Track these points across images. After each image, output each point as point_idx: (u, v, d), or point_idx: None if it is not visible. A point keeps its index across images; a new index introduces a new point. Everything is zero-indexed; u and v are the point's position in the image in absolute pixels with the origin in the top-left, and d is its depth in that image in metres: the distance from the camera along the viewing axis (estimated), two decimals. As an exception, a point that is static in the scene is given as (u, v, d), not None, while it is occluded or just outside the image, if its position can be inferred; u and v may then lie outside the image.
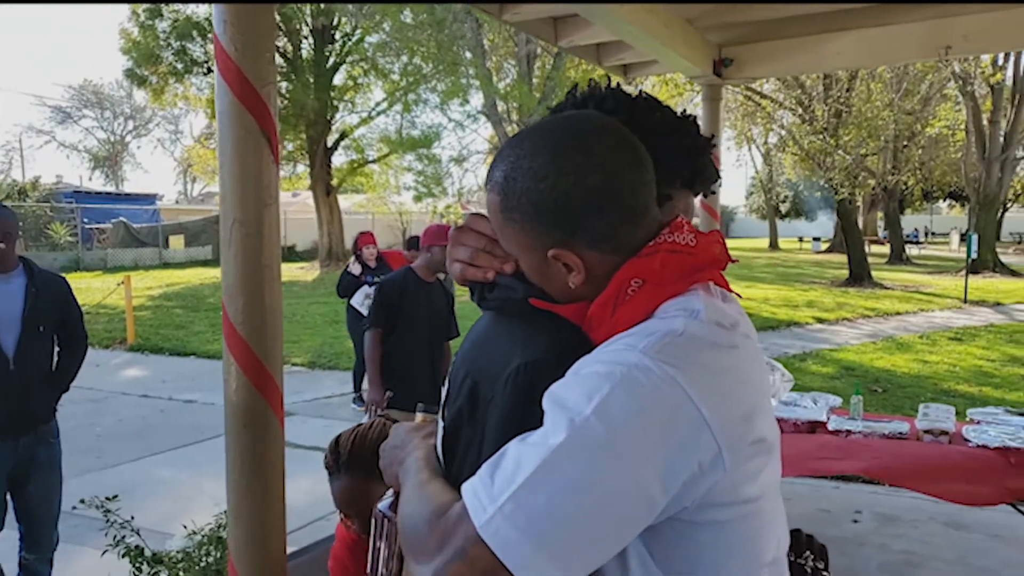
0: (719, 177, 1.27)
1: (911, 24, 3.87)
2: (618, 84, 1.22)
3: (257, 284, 1.74)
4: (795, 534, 1.37)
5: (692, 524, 0.96)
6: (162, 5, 20.87)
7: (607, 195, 1.02)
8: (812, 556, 1.39)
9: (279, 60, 22.58)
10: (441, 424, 1.16)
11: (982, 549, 4.35)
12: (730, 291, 1.15)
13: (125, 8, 21.97)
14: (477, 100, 23.51)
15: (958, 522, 4.67)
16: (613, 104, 1.16)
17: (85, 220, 25.81)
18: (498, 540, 0.86)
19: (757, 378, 1.04)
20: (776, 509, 1.09)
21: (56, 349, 3.61)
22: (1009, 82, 23.94)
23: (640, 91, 1.24)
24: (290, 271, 23.35)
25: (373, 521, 1.27)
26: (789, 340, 11.81)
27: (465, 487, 0.93)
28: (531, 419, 0.95)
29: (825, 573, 1.40)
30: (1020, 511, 3.55)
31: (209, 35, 19.50)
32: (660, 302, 1.03)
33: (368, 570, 1.26)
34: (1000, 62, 22.81)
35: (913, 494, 3.39)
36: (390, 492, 1.27)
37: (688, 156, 1.19)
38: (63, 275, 3.74)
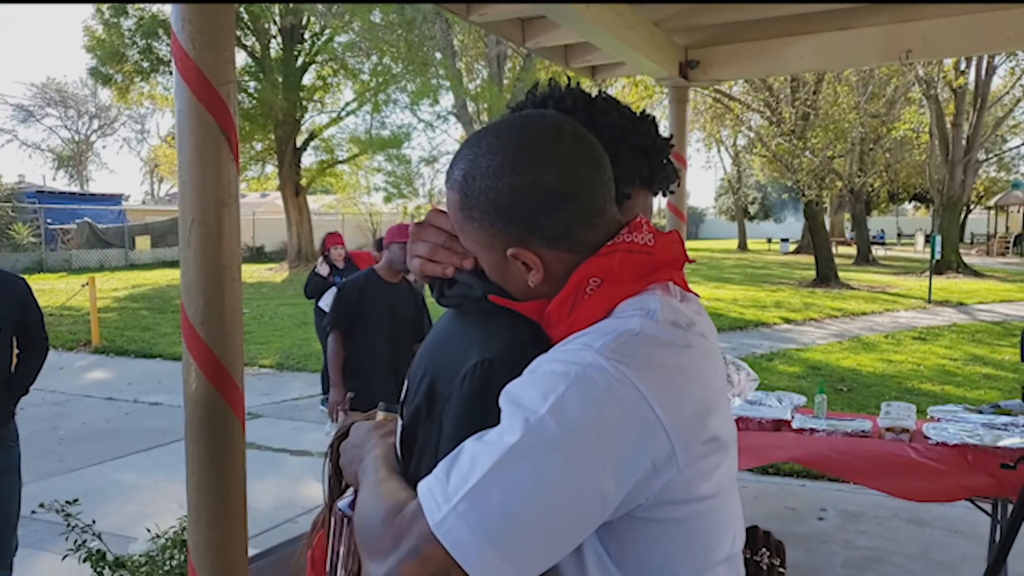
0: (678, 177, 1.28)
1: (872, 28, 3.92)
2: (578, 84, 1.23)
3: (217, 285, 1.72)
4: (752, 531, 1.38)
5: (647, 521, 0.97)
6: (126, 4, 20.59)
7: (564, 194, 1.02)
8: (768, 553, 1.40)
9: (248, 59, 22.41)
10: (401, 422, 1.16)
11: (942, 544, 4.43)
12: (689, 291, 1.16)
13: (89, 6, 21.67)
14: (447, 101, 23.54)
15: (920, 519, 4.75)
16: (571, 103, 1.17)
17: (49, 221, 25.37)
18: (451, 539, 0.86)
19: (712, 377, 1.05)
20: (732, 506, 1.10)
21: (15, 351, 3.55)
22: (971, 86, 24.40)
23: (599, 91, 1.25)
24: (259, 272, 23.17)
25: (332, 520, 1.26)
26: (757, 340, 11.93)
27: (421, 485, 0.93)
28: (488, 417, 0.95)
29: (781, 570, 1.42)
30: (979, 507, 3.61)
31: (176, 34, 19.32)
32: (618, 301, 1.04)
33: (327, 568, 1.25)
34: (963, 66, 23.24)
35: (877, 491, 3.45)
36: (350, 491, 1.27)
37: (646, 155, 1.20)
38: (23, 276, 3.68)
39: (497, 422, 0.93)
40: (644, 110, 1.24)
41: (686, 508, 0.98)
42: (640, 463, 0.91)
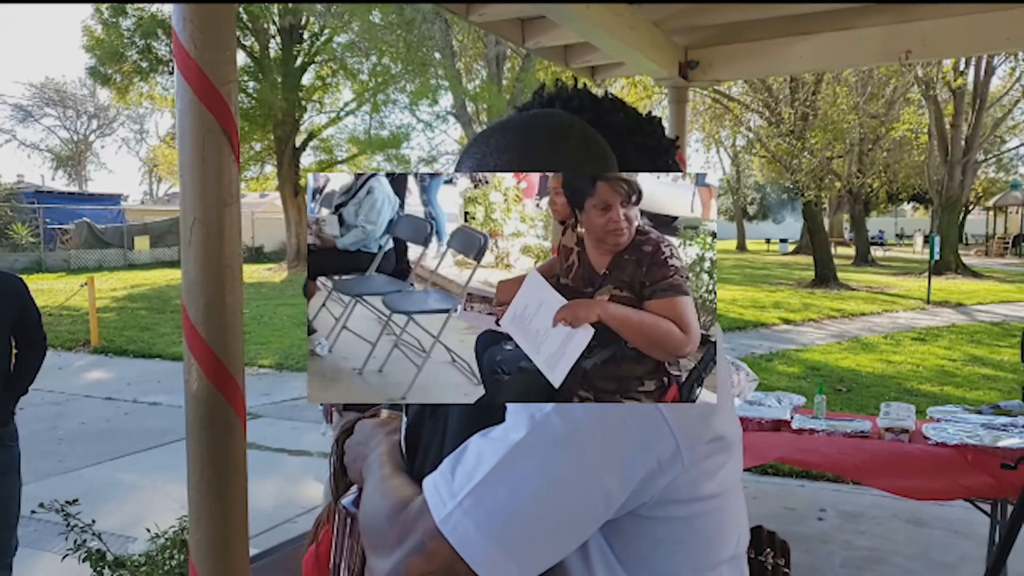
0: (680, 176, 1.28)
1: (872, 28, 3.92)
2: (584, 84, 1.23)
3: (218, 284, 1.72)
4: (756, 531, 1.38)
5: (651, 519, 0.97)
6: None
7: None
8: (772, 553, 1.40)
9: (247, 59, 22.39)
10: (405, 419, 1.16)
11: (942, 545, 4.43)
12: (691, 289, 1.16)
13: (89, 6, 21.67)
14: (446, 101, 23.53)
15: (919, 519, 4.75)
16: (578, 104, 1.17)
17: (47, 220, 25.36)
18: (457, 535, 0.86)
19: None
20: (737, 506, 1.10)
21: (14, 351, 3.54)
22: (970, 87, 24.42)
23: (606, 92, 1.25)
24: (258, 272, 23.16)
25: (336, 517, 1.26)
26: (756, 340, 11.93)
27: (426, 482, 0.93)
28: (493, 414, 0.95)
29: (786, 570, 1.41)
30: (978, 507, 3.61)
31: (175, 34, 19.31)
32: (621, 300, 1.04)
33: (331, 566, 1.25)
34: (962, 67, 23.26)
35: (876, 492, 3.45)
36: (354, 488, 1.26)
37: (652, 156, 1.20)
38: (20, 276, 3.67)
39: (502, 419, 0.93)
40: (651, 111, 1.24)
41: (690, 507, 0.98)
42: (645, 461, 0.91)
